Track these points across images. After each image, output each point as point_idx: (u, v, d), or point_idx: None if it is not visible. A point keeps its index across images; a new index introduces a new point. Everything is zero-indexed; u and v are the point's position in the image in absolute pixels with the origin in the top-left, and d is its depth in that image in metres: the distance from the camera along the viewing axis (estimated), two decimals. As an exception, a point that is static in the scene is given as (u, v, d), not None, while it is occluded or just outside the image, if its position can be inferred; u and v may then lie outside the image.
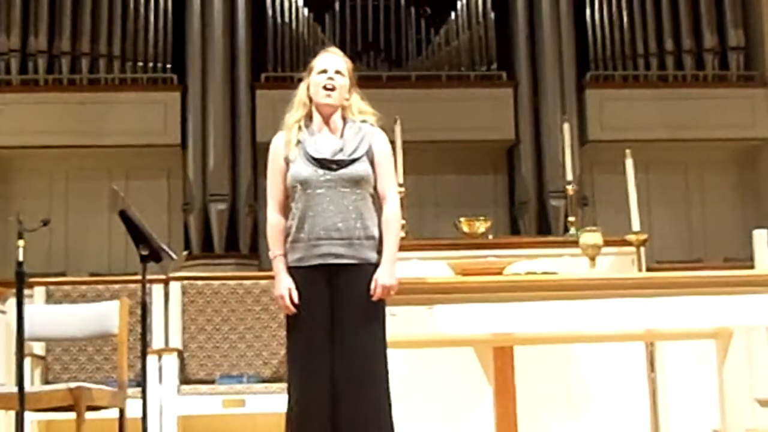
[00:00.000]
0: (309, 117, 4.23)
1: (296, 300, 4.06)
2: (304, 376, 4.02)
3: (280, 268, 4.11)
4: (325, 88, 4.17)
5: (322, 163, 4.11)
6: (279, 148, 4.21)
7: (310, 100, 4.22)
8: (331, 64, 4.21)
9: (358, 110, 4.25)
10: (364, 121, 4.23)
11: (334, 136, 4.20)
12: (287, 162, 4.16)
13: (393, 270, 4.09)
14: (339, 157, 4.12)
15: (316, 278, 4.05)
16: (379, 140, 4.22)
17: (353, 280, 4.05)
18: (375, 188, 4.19)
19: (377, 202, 4.21)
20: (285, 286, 4.08)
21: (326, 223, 4.06)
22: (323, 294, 4.05)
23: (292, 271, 4.09)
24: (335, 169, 4.10)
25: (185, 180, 10.80)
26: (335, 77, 4.19)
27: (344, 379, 3.98)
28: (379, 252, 4.12)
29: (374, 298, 4.04)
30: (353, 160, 4.12)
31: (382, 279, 4.05)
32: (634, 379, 5.84)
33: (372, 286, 4.04)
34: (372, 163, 4.16)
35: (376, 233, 4.13)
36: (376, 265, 4.08)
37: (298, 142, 4.17)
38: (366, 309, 4.04)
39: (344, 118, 4.24)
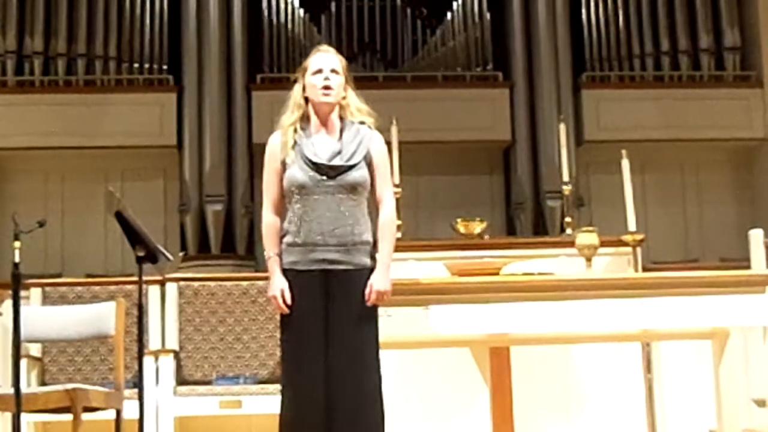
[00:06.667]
0: (305, 118, 4.23)
1: (289, 301, 4.06)
2: (297, 378, 4.02)
3: (274, 268, 4.11)
4: (322, 87, 4.17)
5: (319, 168, 4.10)
6: (275, 149, 4.20)
7: (306, 101, 4.22)
8: (326, 63, 4.20)
9: (356, 108, 4.25)
10: (362, 123, 4.23)
11: (332, 137, 4.19)
12: (284, 164, 4.15)
13: (387, 275, 4.10)
14: (337, 162, 4.11)
15: (311, 282, 4.06)
16: (377, 144, 4.22)
17: (348, 285, 4.05)
18: (371, 192, 4.19)
19: (373, 205, 4.22)
20: (278, 286, 4.08)
21: (323, 229, 4.06)
22: (318, 298, 4.05)
23: (286, 272, 4.10)
24: (333, 176, 4.10)
25: (181, 181, 10.79)
26: (331, 76, 4.18)
27: (338, 384, 3.98)
28: (374, 256, 4.12)
29: (368, 304, 4.05)
30: (351, 167, 4.11)
31: (377, 285, 4.06)
32: (631, 379, 5.84)
33: (367, 292, 4.05)
34: (369, 166, 4.17)
35: (371, 238, 4.14)
36: (371, 270, 4.09)
37: (295, 143, 4.16)
38: (360, 313, 4.04)
39: (341, 118, 4.23)
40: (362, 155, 4.16)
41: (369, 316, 4.06)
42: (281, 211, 4.19)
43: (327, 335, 4.03)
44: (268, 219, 4.19)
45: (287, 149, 4.15)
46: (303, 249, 4.08)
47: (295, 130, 4.18)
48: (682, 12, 11.30)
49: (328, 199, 4.08)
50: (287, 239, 4.12)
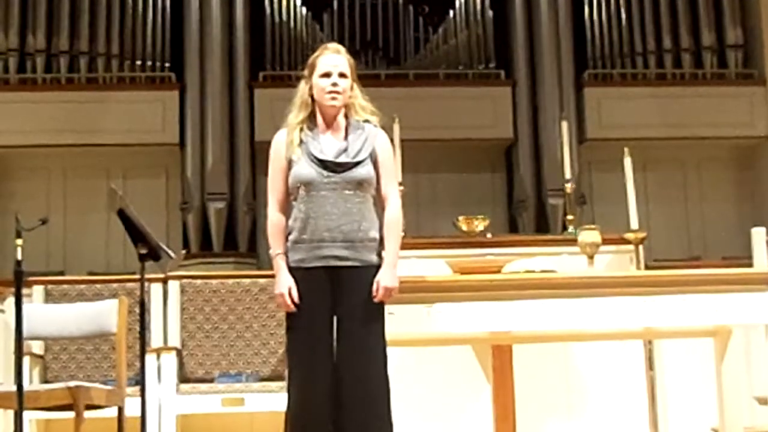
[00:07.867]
0: (311, 117, 4.22)
1: (296, 299, 4.06)
2: (304, 376, 4.03)
3: (280, 266, 4.11)
4: (329, 92, 4.16)
5: (326, 165, 4.10)
6: (281, 147, 4.20)
7: (312, 99, 4.21)
8: (335, 66, 4.17)
9: (360, 106, 4.24)
10: (366, 121, 4.23)
11: (337, 136, 4.19)
12: (290, 162, 4.15)
13: (394, 272, 4.10)
14: (343, 159, 4.11)
15: (318, 279, 4.06)
16: (382, 142, 4.22)
17: (355, 282, 4.06)
18: (377, 190, 4.19)
19: (379, 203, 4.22)
20: (285, 284, 4.08)
21: (329, 226, 4.06)
22: (324, 295, 4.06)
23: (293, 270, 4.10)
24: (339, 172, 4.10)
25: (183, 179, 10.79)
26: (339, 82, 4.16)
27: (345, 380, 4.00)
28: (380, 254, 4.12)
29: (376, 300, 4.05)
30: (357, 163, 4.12)
31: (384, 281, 4.07)
32: (633, 377, 5.84)
33: (374, 288, 4.05)
34: (375, 164, 4.16)
35: (377, 235, 4.14)
36: (377, 267, 4.09)
37: (301, 142, 4.16)
38: (367, 310, 4.05)
39: (347, 116, 4.23)
40: (368, 152, 4.16)
41: (376, 313, 4.07)
42: (287, 210, 4.19)
43: (334, 332, 4.04)
44: (274, 217, 4.19)
45: (293, 147, 4.15)
46: (309, 246, 4.08)
47: (302, 129, 4.18)
48: (684, 10, 11.29)
49: (334, 195, 4.08)
50: (293, 236, 4.12)
